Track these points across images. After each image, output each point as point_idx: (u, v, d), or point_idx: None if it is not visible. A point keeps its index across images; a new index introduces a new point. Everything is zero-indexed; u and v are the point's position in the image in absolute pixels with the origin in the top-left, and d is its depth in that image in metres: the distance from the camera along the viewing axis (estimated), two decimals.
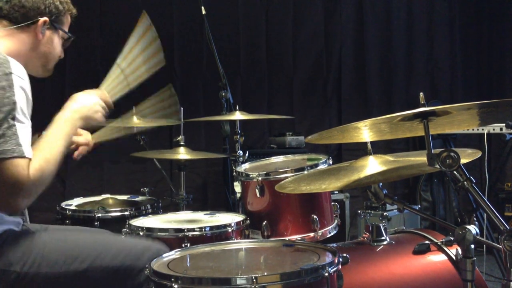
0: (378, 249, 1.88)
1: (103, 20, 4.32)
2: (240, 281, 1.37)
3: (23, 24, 1.73)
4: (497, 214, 1.38)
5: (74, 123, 1.72)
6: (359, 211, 3.92)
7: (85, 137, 2.04)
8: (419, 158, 1.70)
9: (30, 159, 1.51)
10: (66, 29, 1.86)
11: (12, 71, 1.54)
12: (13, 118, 1.51)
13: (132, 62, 2.03)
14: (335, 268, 1.49)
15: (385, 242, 1.89)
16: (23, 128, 1.53)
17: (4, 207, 1.54)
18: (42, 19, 1.75)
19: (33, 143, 1.58)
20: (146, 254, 1.73)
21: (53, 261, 1.65)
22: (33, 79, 1.65)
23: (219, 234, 2.13)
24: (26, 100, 1.57)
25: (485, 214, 3.38)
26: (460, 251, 1.45)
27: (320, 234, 2.23)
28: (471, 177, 1.40)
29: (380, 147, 4.45)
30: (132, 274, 1.71)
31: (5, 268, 1.60)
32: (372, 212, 3.83)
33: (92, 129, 2.03)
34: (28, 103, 1.59)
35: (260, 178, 2.26)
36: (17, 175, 1.47)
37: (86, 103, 1.77)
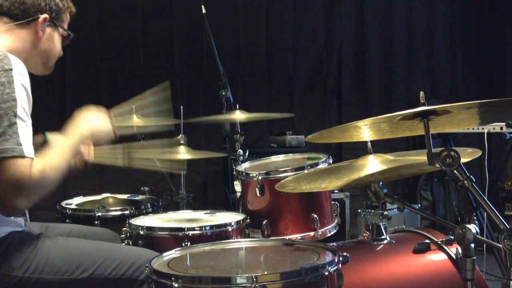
0: (378, 248, 1.88)
1: (103, 20, 4.31)
2: (240, 280, 1.37)
3: (23, 21, 1.73)
4: (497, 213, 1.37)
5: (85, 140, 1.77)
6: (359, 210, 3.92)
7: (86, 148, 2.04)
8: (419, 157, 1.69)
9: (31, 159, 1.49)
10: (66, 27, 1.86)
11: (12, 68, 1.53)
12: (14, 115, 1.49)
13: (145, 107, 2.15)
14: (335, 267, 1.48)
15: (385, 241, 1.89)
16: (24, 126, 1.51)
17: (3, 207, 1.52)
18: (42, 16, 1.75)
19: (35, 142, 1.57)
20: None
21: (56, 268, 1.63)
22: (33, 79, 1.64)
23: (219, 233, 2.13)
24: (26, 97, 1.56)
25: (485, 213, 3.38)
26: (460, 250, 1.45)
27: (320, 233, 2.24)
28: (471, 176, 1.40)
29: (380, 146, 4.43)
30: (133, 286, 1.70)
31: (7, 272, 1.58)
32: (372, 211, 3.83)
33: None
34: (28, 101, 1.57)
35: (260, 177, 2.26)
36: (18, 174, 1.45)
37: (100, 124, 1.80)
